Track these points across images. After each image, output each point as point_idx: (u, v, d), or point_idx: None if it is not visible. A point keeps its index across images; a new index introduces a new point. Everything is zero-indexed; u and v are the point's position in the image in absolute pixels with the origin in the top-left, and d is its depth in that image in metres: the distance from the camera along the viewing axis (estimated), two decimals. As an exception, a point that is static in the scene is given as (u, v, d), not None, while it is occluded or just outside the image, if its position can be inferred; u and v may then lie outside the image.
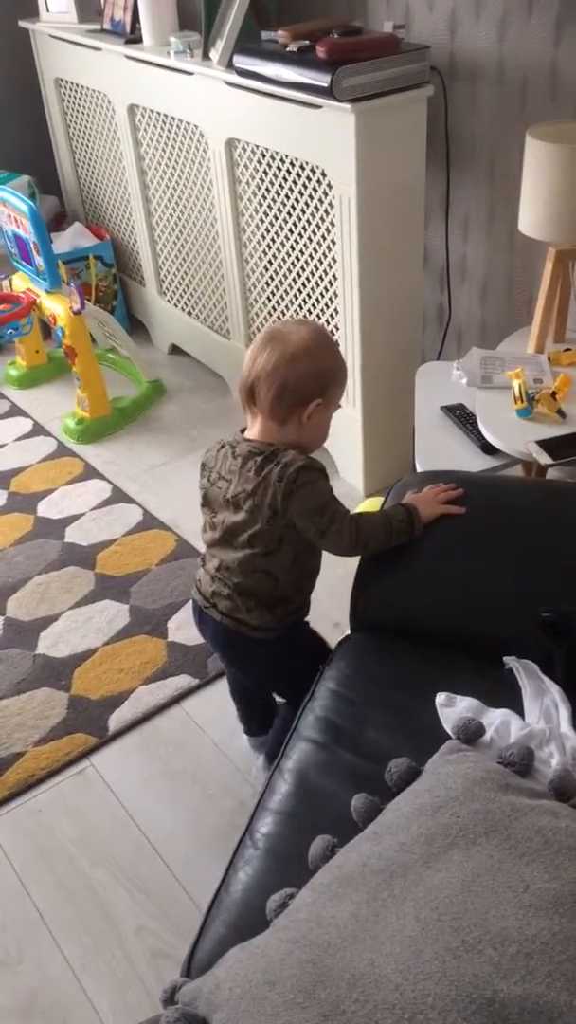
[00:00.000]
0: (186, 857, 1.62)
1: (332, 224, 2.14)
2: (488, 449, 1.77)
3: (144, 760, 1.80)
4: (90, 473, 2.64)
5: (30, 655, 2.04)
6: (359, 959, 0.85)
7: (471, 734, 1.16)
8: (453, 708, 1.23)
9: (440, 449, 1.82)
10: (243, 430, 1.44)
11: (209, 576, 1.47)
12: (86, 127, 3.14)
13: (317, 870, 1.03)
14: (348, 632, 1.49)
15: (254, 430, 1.41)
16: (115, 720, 1.87)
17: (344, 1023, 0.79)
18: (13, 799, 1.73)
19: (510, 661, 1.31)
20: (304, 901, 0.97)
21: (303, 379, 1.35)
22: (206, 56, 2.36)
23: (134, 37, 2.68)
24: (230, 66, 2.23)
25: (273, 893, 1.04)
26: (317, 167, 2.11)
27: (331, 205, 2.11)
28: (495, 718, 1.21)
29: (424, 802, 1.03)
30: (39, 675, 1.98)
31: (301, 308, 2.40)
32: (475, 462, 1.77)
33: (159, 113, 2.65)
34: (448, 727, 1.20)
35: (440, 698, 1.25)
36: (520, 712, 1.22)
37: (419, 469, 1.79)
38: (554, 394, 1.79)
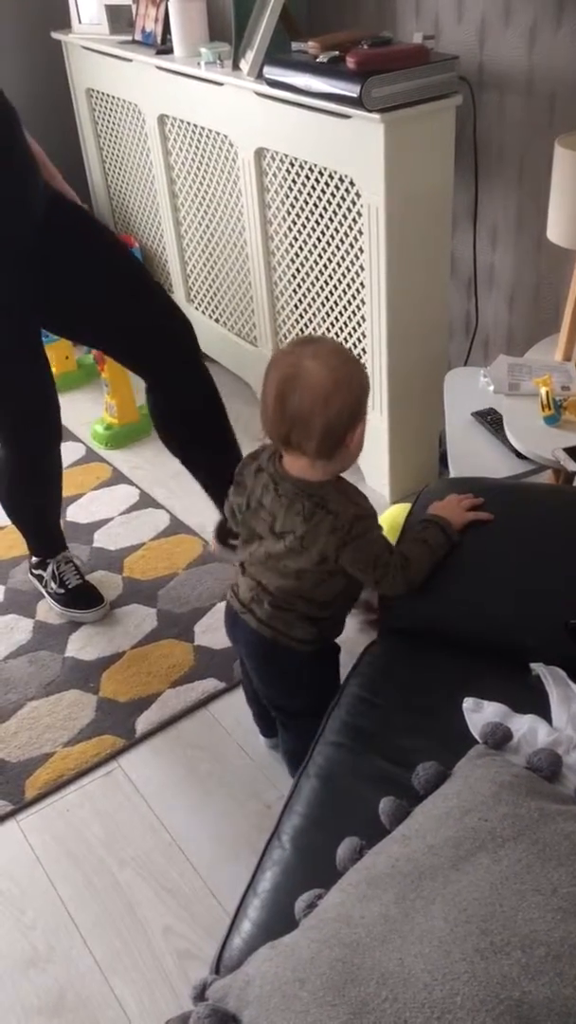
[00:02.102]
0: (212, 859, 1.63)
1: (360, 233, 2.15)
2: (522, 454, 1.78)
3: (171, 762, 1.81)
4: (118, 478, 2.67)
5: (59, 657, 2.06)
6: (388, 959, 0.86)
7: (499, 739, 1.16)
8: (480, 713, 1.24)
9: (473, 454, 1.83)
10: (277, 453, 1.40)
11: (248, 586, 1.47)
12: (116, 137, 3.18)
13: (345, 871, 1.04)
14: (374, 637, 1.50)
15: (298, 465, 1.36)
16: (143, 722, 1.89)
17: (373, 1021, 0.80)
18: (43, 799, 1.76)
19: (537, 667, 1.32)
20: (333, 901, 0.98)
21: (343, 413, 1.30)
22: (236, 66, 2.39)
23: (165, 48, 2.71)
24: (260, 76, 2.26)
25: (301, 893, 1.05)
26: (346, 176, 2.13)
27: (359, 214, 2.13)
28: (522, 724, 1.21)
29: (452, 805, 1.04)
30: (68, 677, 2.01)
31: (328, 316, 2.42)
32: (509, 466, 1.78)
33: (189, 123, 2.68)
34: (475, 732, 1.21)
35: (468, 703, 1.26)
36: (547, 718, 1.23)
37: (452, 474, 1.81)
38: (582, 402, 1.80)
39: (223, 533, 2.11)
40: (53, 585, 2.18)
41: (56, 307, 1.84)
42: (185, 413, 2.03)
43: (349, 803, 1.19)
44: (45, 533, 2.22)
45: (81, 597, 2.17)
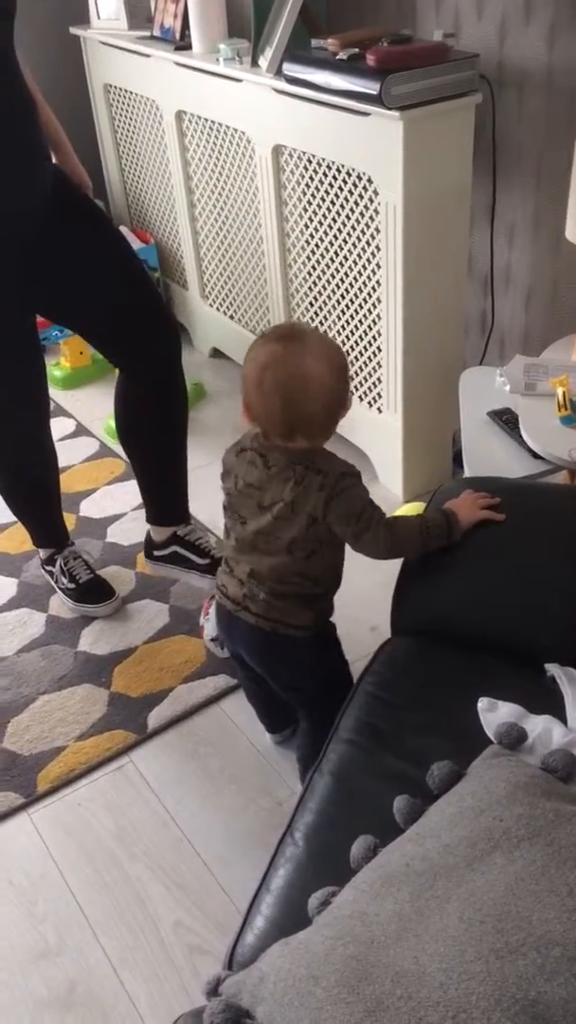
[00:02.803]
0: (222, 855, 1.63)
1: (377, 230, 2.15)
2: (538, 454, 1.77)
3: (182, 758, 1.82)
4: (131, 474, 2.65)
5: (72, 652, 2.07)
6: (403, 957, 0.86)
7: (513, 739, 1.16)
8: (495, 713, 1.24)
9: (488, 453, 1.83)
10: (259, 434, 1.41)
11: (237, 580, 1.47)
12: (133, 133, 3.18)
13: (359, 869, 1.04)
14: (386, 636, 1.50)
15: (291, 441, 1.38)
16: (154, 718, 1.89)
17: (388, 1019, 0.80)
18: (54, 792, 1.76)
19: (552, 668, 1.32)
20: (346, 899, 0.98)
21: (342, 396, 1.36)
22: (255, 63, 2.39)
23: (183, 44, 2.71)
24: (279, 73, 2.26)
25: (314, 891, 1.05)
26: (364, 174, 2.13)
27: (376, 211, 2.13)
28: (537, 724, 1.21)
29: (467, 805, 1.04)
30: (80, 671, 2.01)
31: (344, 314, 2.42)
32: (524, 466, 1.77)
33: (206, 119, 2.68)
34: (490, 732, 1.21)
35: (482, 703, 1.26)
36: (562, 719, 1.23)
37: (467, 473, 1.80)
38: (598, 403, 1.79)
39: (149, 547, 2.17)
40: (64, 580, 2.18)
41: (49, 290, 1.83)
42: (151, 409, 2.01)
43: (363, 801, 1.19)
44: (47, 523, 2.21)
45: (92, 591, 2.18)
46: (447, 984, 0.82)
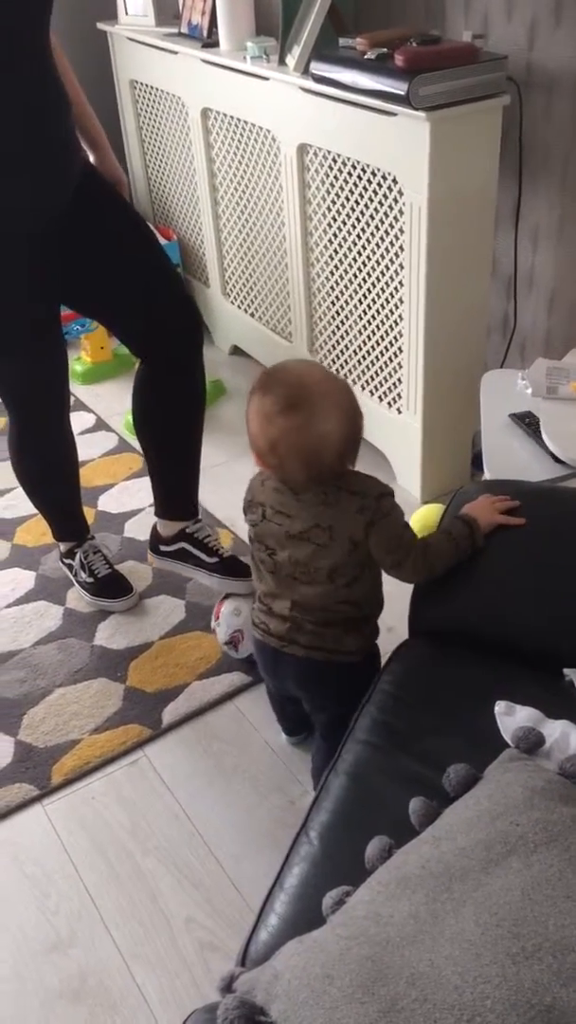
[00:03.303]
0: (234, 851, 1.64)
1: (401, 231, 2.15)
2: (559, 458, 1.76)
3: (196, 754, 1.82)
4: (150, 469, 2.68)
5: (88, 645, 2.08)
6: (418, 959, 0.86)
7: (531, 744, 1.16)
8: (512, 717, 1.24)
9: (509, 456, 1.82)
10: None
11: (279, 617, 1.45)
12: (158, 129, 3.19)
13: (374, 870, 1.04)
14: (402, 637, 1.50)
15: None
16: (169, 713, 1.90)
17: (403, 1020, 0.80)
18: (68, 785, 1.77)
19: (570, 673, 1.31)
20: (361, 899, 0.99)
21: (350, 442, 1.34)
22: (282, 62, 2.38)
23: (211, 41, 2.72)
24: (306, 72, 2.25)
25: (328, 890, 1.05)
26: (389, 174, 2.12)
27: (401, 212, 2.12)
28: (554, 729, 1.21)
29: (483, 808, 1.03)
30: (97, 665, 2.02)
31: (365, 313, 2.41)
32: (545, 470, 1.76)
33: (232, 117, 2.68)
34: (507, 736, 1.21)
35: (499, 707, 1.25)
36: (580, 725, 1.22)
37: (487, 476, 1.80)
38: (621, 408, 1.78)
39: (155, 541, 2.14)
40: (83, 575, 2.19)
41: (73, 280, 1.83)
42: (168, 398, 1.99)
43: (378, 802, 1.19)
44: (67, 516, 2.21)
45: (110, 586, 2.19)
46: (462, 987, 0.82)
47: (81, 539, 2.24)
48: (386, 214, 2.19)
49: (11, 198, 1.63)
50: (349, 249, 2.39)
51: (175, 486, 2.12)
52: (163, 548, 2.15)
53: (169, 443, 2.07)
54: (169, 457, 2.09)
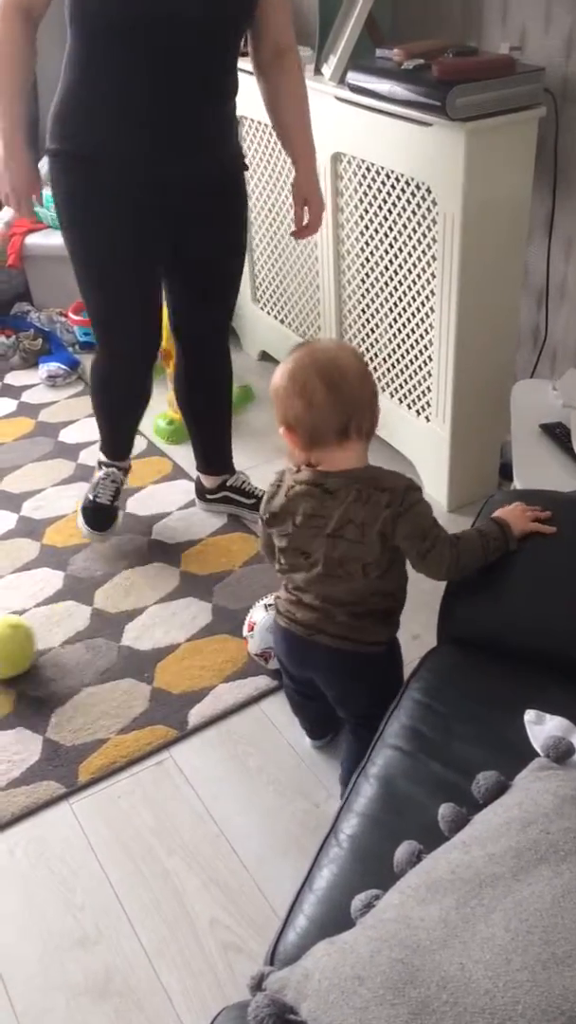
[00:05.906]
0: (259, 854, 1.65)
1: (434, 240, 2.16)
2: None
3: (221, 756, 1.83)
4: (178, 473, 2.70)
5: (115, 646, 2.10)
6: (448, 962, 0.87)
7: (561, 753, 1.16)
8: (542, 726, 1.24)
9: (539, 466, 1.83)
10: (300, 469, 1.44)
11: (308, 607, 1.47)
12: (192, 136, 3.21)
13: (402, 874, 1.05)
14: (428, 645, 1.50)
15: (342, 458, 1.40)
16: (195, 715, 1.91)
17: (434, 1023, 0.81)
18: (95, 784, 1.79)
19: (600, 684, 1.31)
20: (391, 903, 0.99)
21: (369, 387, 1.40)
22: (318, 71, 2.40)
23: (244, 51, 2.73)
24: (342, 82, 2.27)
25: (357, 893, 1.06)
26: (423, 184, 2.13)
27: (434, 222, 2.13)
28: (584, 739, 1.21)
29: (513, 816, 1.04)
30: (124, 666, 2.04)
31: (396, 322, 2.42)
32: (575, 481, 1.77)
33: (266, 125, 2.70)
34: (537, 745, 1.21)
35: (529, 715, 1.26)
36: (610, 735, 1.22)
37: (517, 485, 1.81)
38: None
39: (201, 491, 2.53)
40: (90, 495, 2.39)
41: (174, 249, 2.06)
42: (201, 372, 2.35)
43: (407, 806, 1.19)
44: (117, 438, 2.40)
45: (95, 515, 2.37)
46: (493, 992, 0.82)
47: (116, 457, 2.41)
48: (419, 223, 2.21)
49: (126, 144, 1.85)
50: (381, 257, 2.40)
51: (213, 446, 2.48)
52: (209, 496, 2.51)
53: (203, 409, 2.43)
54: (206, 420, 2.44)
